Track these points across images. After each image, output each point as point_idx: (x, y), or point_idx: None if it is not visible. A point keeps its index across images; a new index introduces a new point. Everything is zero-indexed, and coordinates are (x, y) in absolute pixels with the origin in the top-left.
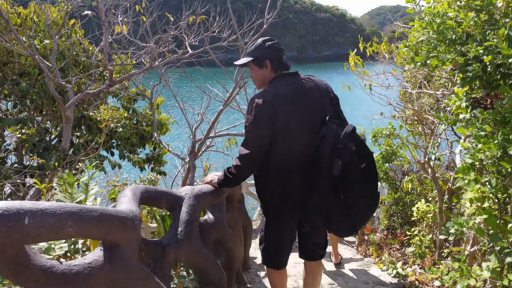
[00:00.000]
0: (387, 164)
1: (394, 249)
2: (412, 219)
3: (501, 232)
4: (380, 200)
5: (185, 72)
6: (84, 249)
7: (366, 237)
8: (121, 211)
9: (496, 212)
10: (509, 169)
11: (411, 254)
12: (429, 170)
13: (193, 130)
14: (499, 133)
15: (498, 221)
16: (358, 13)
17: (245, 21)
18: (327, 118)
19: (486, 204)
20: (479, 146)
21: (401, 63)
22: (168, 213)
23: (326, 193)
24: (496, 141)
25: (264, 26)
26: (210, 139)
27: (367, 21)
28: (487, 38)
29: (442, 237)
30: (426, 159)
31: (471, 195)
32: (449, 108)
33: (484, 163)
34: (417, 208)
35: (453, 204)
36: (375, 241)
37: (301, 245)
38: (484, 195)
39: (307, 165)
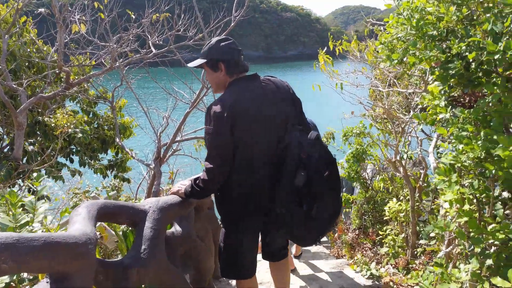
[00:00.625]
0: (358, 163)
1: (367, 248)
2: (385, 218)
3: (481, 234)
4: (351, 200)
5: (149, 72)
6: (31, 277)
7: (338, 238)
8: (71, 236)
9: (476, 214)
10: (493, 171)
11: (385, 254)
12: (401, 169)
13: (158, 134)
14: (482, 133)
15: (478, 223)
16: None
17: (211, 20)
18: (290, 124)
19: (466, 206)
20: (461, 146)
21: (372, 61)
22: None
23: (288, 204)
24: (479, 142)
25: (232, 24)
26: (177, 143)
27: (331, 20)
28: (470, 33)
29: (422, 241)
30: (397, 158)
31: (451, 196)
32: (420, 107)
33: (466, 164)
34: (389, 207)
35: (424, 201)
36: (347, 241)
37: (264, 250)
38: (464, 196)
39: (270, 173)
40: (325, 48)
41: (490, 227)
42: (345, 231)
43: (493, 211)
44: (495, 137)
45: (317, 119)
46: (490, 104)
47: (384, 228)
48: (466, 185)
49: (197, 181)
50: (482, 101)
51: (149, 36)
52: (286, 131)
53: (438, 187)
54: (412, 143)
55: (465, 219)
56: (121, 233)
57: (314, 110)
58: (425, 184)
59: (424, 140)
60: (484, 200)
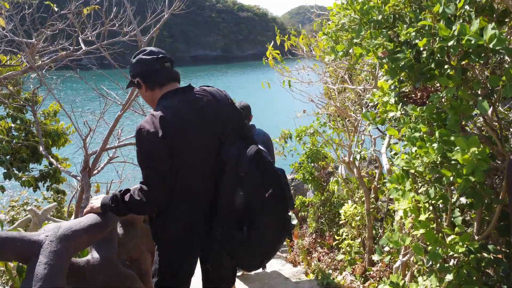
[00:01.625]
0: (312, 164)
1: (324, 253)
2: (340, 222)
3: (440, 247)
4: (307, 203)
5: (77, 72)
6: None
7: (295, 243)
8: None
9: (433, 223)
10: (451, 178)
11: (341, 260)
12: (355, 170)
13: (85, 141)
14: (437, 134)
15: (436, 234)
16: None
17: (148, 14)
18: (229, 139)
19: (422, 217)
20: (414, 149)
21: (320, 56)
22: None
23: (228, 228)
24: (434, 145)
25: (166, 16)
26: (114, 150)
27: (288, 20)
28: (420, 17)
29: (375, 257)
30: (350, 159)
31: (405, 205)
32: (371, 104)
33: (421, 170)
34: (344, 211)
35: (379, 203)
36: (303, 246)
37: (205, 282)
38: (419, 205)
39: (209, 193)
40: (272, 43)
41: (449, 238)
42: (302, 235)
43: (451, 218)
44: (451, 138)
45: (272, 119)
46: (444, 100)
47: (340, 231)
48: (421, 191)
49: (127, 197)
50: (436, 97)
51: (79, 32)
52: (223, 148)
53: (391, 196)
54: (367, 141)
55: (422, 231)
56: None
57: (267, 109)
58: (380, 185)
59: (378, 139)
60: (441, 206)
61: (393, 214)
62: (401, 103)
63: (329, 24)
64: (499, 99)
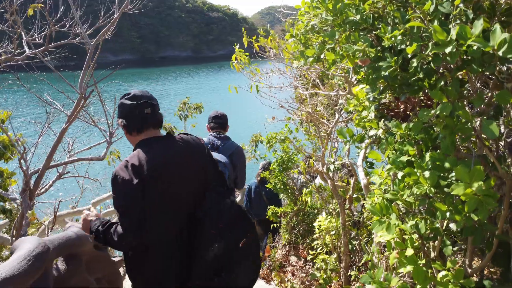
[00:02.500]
0: (284, 172)
1: (298, 267)
2: (315, 236)
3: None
4: (279, 213)
5: (18, 76)
6: None
7: (267, 258)
8: None
9: (421, 256)
10: (447, 213)
11: (317, 278)
12: (329, 182)
13: (21, 158)
14: (427, 157)
15: (425, 270)
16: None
17: (101, 14)
18: (207, 189)
19: (409, 251)
20: (401, 175)
21: (290, 60)
22: None
23: (204, 278)
24: (426, 172)
25: (116, 16)
26: (64, 166)
27: (258, 20)
28: (407, 17)
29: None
30: (323, 169)
31: (389, 237)
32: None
33: (410, 200)
34: (319, 225)
35: (356, 214)
36: (276, 260)
37: None
38: (405, 235)
39: (185, 243)
40: (237, 45)
41: (440, 275)
42: (274, 248)
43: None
44: (446, 164)
45: (242, 124)
46: (435, 117)
47: (315, 243)
48: (409, 224)
49: (106, 233)
50: (425, 113)
51: (22, 33)
52: (202, 196)
53: (373, 231)
54: (341, 148)
55: (409, 268)
56: None
57: (237, 115)
58: (355, 196)
59: (353, 145)
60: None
61: (369, 226)
62: (381, 117)
63: (298, 25)
64: (510, 121)
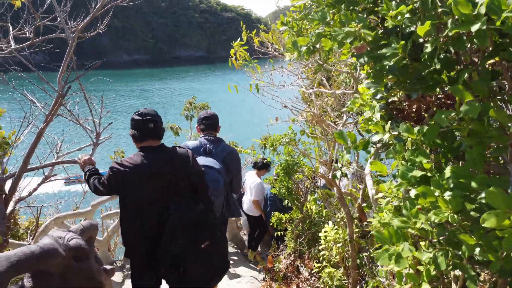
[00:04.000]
0: (289, 177)
1: (303, 279)
2: (320, 247)
3: None
4: (284, 220)
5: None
6: None
7: (271, 268)
8: None
9: None
10: (476, 249)
11: None
12: (335, 189)
13: (1, 163)
14: (448, 172)
15: None
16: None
17: (91, 7)
18: (178, 196)
19: (426, 287)
20: (413, 193)
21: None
22: None
23: (166, 268)
24: (447, 193)
25: (101, 8)
26: (51, 168)
27: (272, 20)
28: None
29: None
30: (330, 176)
31: (399, 268)
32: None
33: (427, 229)
34: (325, 235)
35: (365, 225)
36: (280, 270)
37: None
38: (420, 268)
39: (155, 232)
40: (238, 40)
41: None
42: (278, 257)
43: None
44: (473, 183)
45: (242, 126)
46: (457, 120)
47: (321, 254)
48: (426, 257)
49: (90, 179)
50: (444, 115)
51: (9, 27)
52: (171, 198)
53: (379, 263)
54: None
55: None
56: None
57: (239, 116)
58: (365, 204)
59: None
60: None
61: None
62: (388, 119)
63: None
64: None
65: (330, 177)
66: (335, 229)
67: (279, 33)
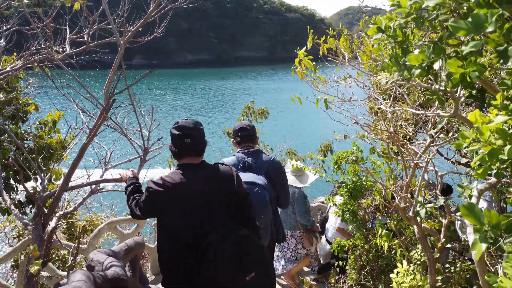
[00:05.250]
0: (355, 200)
1: None
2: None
3: None
4: (346, 247)
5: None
6: None
7: None
8: None
9: None
10: None
11: None
12: (415, 227)
13: (40, 176)
14: None
15: None
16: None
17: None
18: (217, 217)
19: None
20: None
21: (370, 68)
22: None
23: None
24: None
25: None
26: (94, 186)
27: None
28: None
29: None
30: (410, 213)
31: None
32: (436, 129)
33: None
34: (396, 280)
35: (447, 270)
36: None
37: None
38: None
39: (192, 255)
40: (304, 48)
41: None
42: None
43: None
44: None
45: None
46: None
47: None
48: None
49: (130, 198)
50: None
51: (67, 30)
52: (211, 222)
53: None
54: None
55: None
56: None
57: (300, 128)
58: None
59: (446, 176)
60: None
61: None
62: None
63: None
64: None
65: (409, 212)
66: (411, 272)
67: (358, 40)
